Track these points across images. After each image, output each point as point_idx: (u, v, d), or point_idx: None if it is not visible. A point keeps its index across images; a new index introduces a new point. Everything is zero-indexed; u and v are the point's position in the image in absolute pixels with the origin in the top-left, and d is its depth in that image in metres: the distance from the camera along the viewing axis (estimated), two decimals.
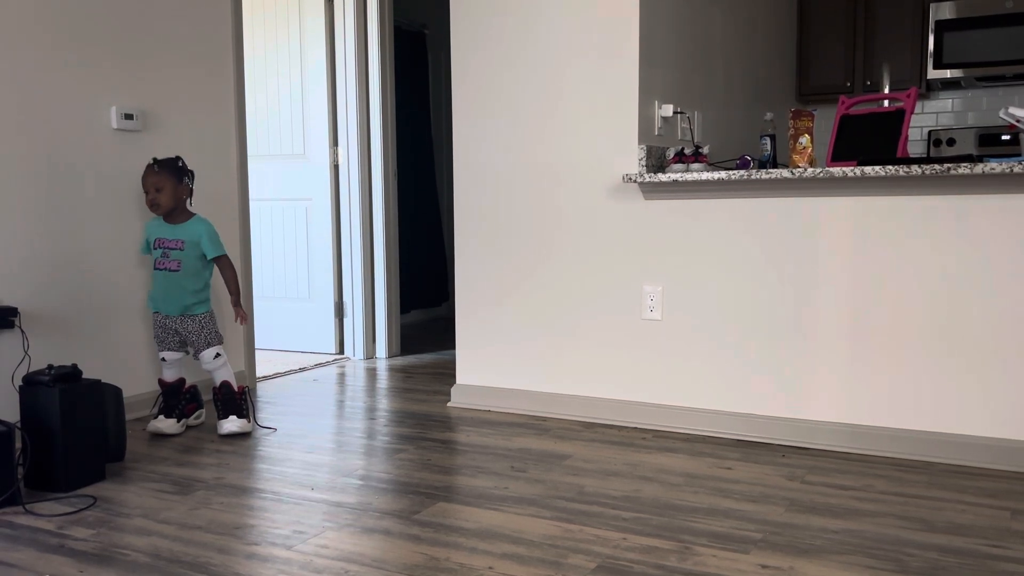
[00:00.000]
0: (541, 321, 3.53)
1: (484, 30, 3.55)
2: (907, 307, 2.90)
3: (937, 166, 2.72)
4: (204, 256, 3.30)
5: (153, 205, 3.25)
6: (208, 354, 3.31)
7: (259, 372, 4.39)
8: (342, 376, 4.43)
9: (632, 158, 3.28)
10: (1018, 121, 2.88)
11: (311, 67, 4.85)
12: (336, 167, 4.88)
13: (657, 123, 3.37)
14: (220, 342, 3.35)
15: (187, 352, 3.40)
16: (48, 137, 3.23)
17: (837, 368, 3.02)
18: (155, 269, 3.29)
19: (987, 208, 2.77)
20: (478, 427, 3.39)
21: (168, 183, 3.24)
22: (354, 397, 3.96)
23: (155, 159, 3.28)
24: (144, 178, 3.25)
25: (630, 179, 3.19)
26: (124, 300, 3.52)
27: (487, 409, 3.67)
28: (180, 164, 3.29)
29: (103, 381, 2.86)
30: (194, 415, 3.42)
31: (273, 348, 5.09)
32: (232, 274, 3.36)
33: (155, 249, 3.29)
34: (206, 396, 3.66)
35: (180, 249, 3.27)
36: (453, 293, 6.32)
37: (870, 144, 3.13)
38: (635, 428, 3.34)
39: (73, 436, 2.67)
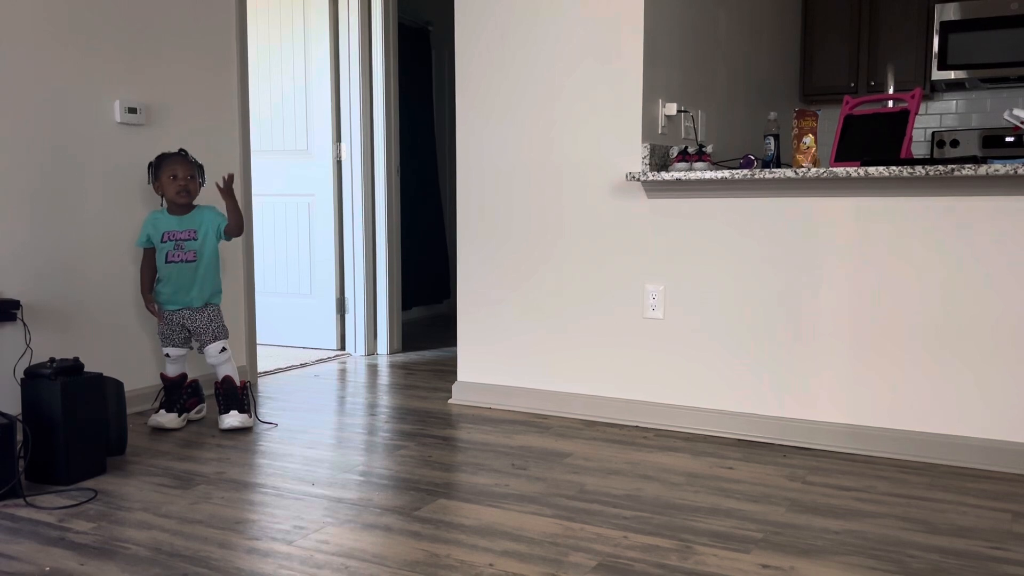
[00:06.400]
0: (543, 319, 3.53)
1: (488, 27, 3.55)
2: (910, 308, 2.90)
3: (941, 167, 2.72)
4: (215, 243, 3.33)
5: (184, 192, 3.26)
6: (214, 347, 3.32)
7: (260, 367, 4.39)
8: (343, 372, 4.43)
9: (635, 156, 3.28)
10: (1022, 123, 2.87)
11: (315, 63, 4.84)
12: (339, 163, 4.88)
13: (661, 122, 3.37)
14: (227, 336, 3.36)
15: (191, 348, 3.40)
16: (52, 130, 3.23)
17: (839, 368, 3.02)
18: (166, 263, 3.28)
19: (990, 210, 2.77)
20: (479, 424, 3.39)
21: (196, 174, 3.31)
22: (355, 393, 3.96)
23: (182, 150, 3.34)
24: (175, 165, 3.26)
25: (633, 177, 3.19)
26: (127, 294, 3.52)
27: (488, 406, 3.67)
28: None
29: (105, 375, 2.86)
30: (195, 410, 3.43)
31: (274, 344, 5.08)
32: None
33: (164, 243, 3.27)
34: (207, 391, 3.66)
35: (194, 239, 3.28)
36: (455, 290, 6.32)
37: (874, 145, 3.12)
38: (636, 427, 3.34)
39: (74, 429, 2.67)
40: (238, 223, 3.30)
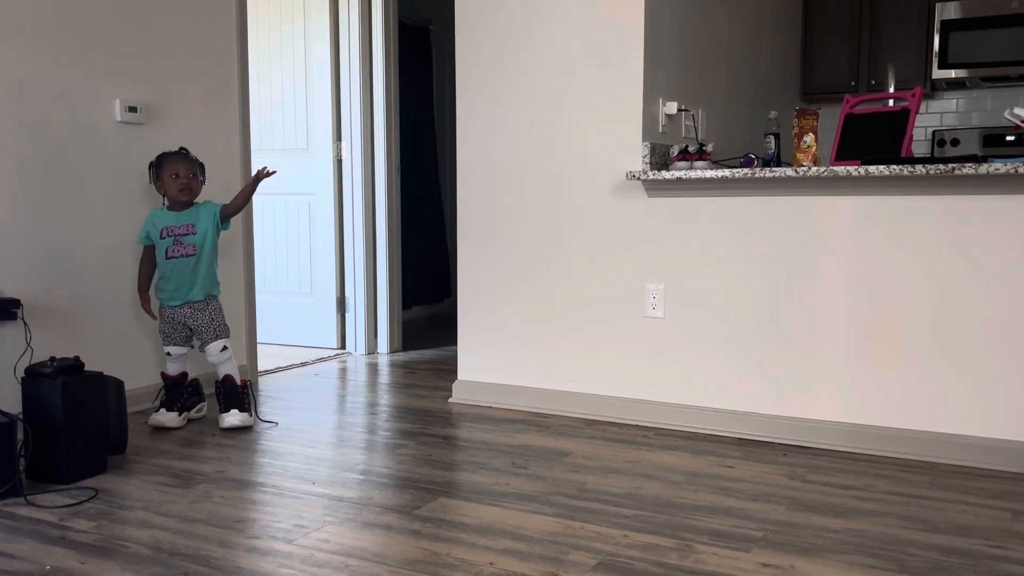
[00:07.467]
0: (543, 318, 3.53)
1: (489, 26, 3.54)
2: (911, 307, 2.90)
3: (941, 166, 2.72)
4: (216, 236, 3.33)
5: (186, 190, 3.28)
6: (215, 346, 3.32)
7: (261, 366, 4.39)
8: (343, 371, 4.43)
9: (636, 155, 3.28)
10: (1023, 122, 2.87)
11: (315, 62, 4.84)
12: (339, 162, 4.88)
13: (661, 121, 3.37)
14: (228, 335, 3.37)
15: (192, 346, 3.40)
16: (52, 129, 3.23)
17: (839, 367, 3.02)
18: (166, 259, 3.28)
19: (991, 209, 2.77)
20: (479, 423, 3.39)
21: (198, 172, 3.33)
22: (355, 392, 3.96)
23: (183, 148, 3.35)
24: (177, 164, 3.27)
25: (634, 176, 3.19)
26: (127, 293, 3.52)
27: (488, 405, 3.67)
28: None
29: (105, 374, 2.86)
30: (196, 409, 3.43)
31: (275, 342, 5.08)
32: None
33: (163, 239, 3.28)
34: (208, 390, 3.66)
35: (192, 233, 3.29)
36: (455, 289, 6.32)
37: (874, 143, 3.12)
38: (637, 426, 3.34)
39: (75, 428, 2.67)
40: (238, 207, 3.34)
